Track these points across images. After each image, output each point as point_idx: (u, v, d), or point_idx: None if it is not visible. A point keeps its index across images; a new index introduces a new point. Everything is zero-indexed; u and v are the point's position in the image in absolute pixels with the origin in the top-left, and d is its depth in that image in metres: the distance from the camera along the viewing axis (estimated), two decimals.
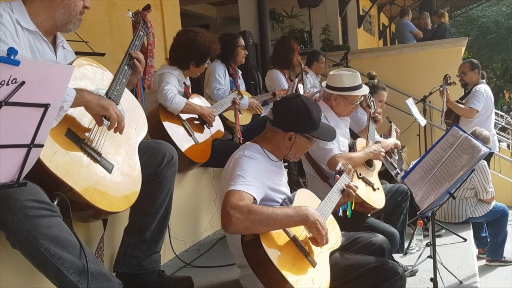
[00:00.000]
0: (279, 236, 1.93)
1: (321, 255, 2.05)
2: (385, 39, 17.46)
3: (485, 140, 4.36)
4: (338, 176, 2.38)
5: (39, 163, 1.59)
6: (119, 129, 1.93)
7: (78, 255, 1.68)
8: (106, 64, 2.20)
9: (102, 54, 3.40)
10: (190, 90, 3.53)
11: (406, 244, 3.65)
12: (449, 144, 2.58)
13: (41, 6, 1.95)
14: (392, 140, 4.13)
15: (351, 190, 2.36)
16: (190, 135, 3.29)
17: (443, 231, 4.32)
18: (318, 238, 1.95)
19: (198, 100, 3.53)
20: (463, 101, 5.72)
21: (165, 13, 5.50)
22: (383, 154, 3.24)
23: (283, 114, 2.26)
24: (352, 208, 2.50)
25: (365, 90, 3.24)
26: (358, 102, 3.26)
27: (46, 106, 1.31)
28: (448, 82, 5.58)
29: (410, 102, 5.68)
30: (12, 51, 1.16)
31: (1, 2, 1.89)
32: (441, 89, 5.56)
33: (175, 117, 3.26)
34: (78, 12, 2.01)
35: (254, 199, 1.95)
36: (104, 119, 1.90)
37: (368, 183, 3.06)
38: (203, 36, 3.37)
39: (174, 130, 3.19)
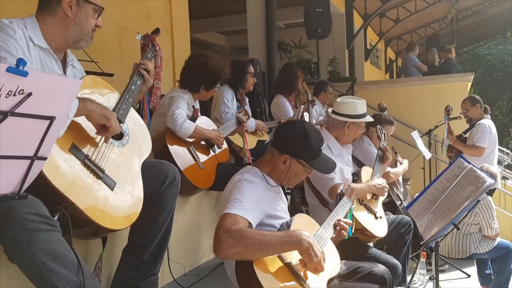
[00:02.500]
0: (274, 263, 1.89)
1: (318, 282, 2.00)
2: (392, 73, 17.61)
3: (492, 176, 4.33)
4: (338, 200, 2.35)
5: (41, 177, 1.59)
6: (108, 138, 1.94)
7: (76, 271, 1.65)
8: (114, 85, 2.22)
9: (111, 75, 3.44)
10: (199, 114, 3.55)
11: (408, 278, 3.58)
12: (454, 175, 2.57)
13: (53, 23, 1.98)
14: (401, 168, 4.13)
15: (343, 225, 2.23)
16: (195, 160, 3.28)
17: (447, 266, 4.25)
18: (309, 264, 1.89)
19: (204, 122, 3.53)
20: (466, 135, 5.72)
21: (175, 38, 5.59)
22: (386, 190, 3.21)
23: (282, 136, 2.26)
24: (353, 232, 2.46)
25: (369, 116, 3.30)
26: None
27: (51, 119, 1.31)
28: (450, 113, 5.60)
29: (415, 134, 5.68)
30: (21, 62, 1.17)
31: (16, 19, 1.93)
32: (442, 122, 5.59)
33: (182, 141, 3.25)
34: (90, 30, 2.05)
35: (250, 223, 1.92)
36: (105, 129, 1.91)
37: (370, 210, 3.03)
38: (215, 60, 3.42)
39: (180, 155, 3.18)
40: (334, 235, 2.23)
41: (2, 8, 3.20)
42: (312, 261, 1.89)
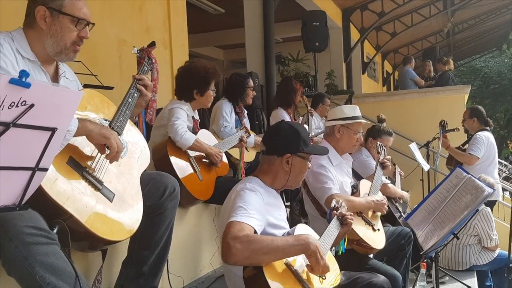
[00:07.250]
0: (282, 272, 1.92)
1: None
2: (389, 86, 17.72)
3: (490, 186, 4.34)
4: (335, 212, 2.38)
5: (39, 190, 1.58)
6: (114, 159, 1.93)
7: (73, 285, 1.64)
8: (114, 98, 2.23)
9: (111, 88, 3.46)
10: (198, 125, 3.56)
11: None
12: (452, 185, 2.58)
13: (35, 36, 1.95)
14: (402, 192, 4.12)
15: (347, 217, 2.38)
16: (195, 171, 3.28)
17: (447, 278, 4.23)
18: (316, 267, 1.95)
19: (205, 135, 3.54)
20: (464, 147, 5.74)
21: (174, 52, 5.62)
22: (386, 208, 3.20)
23: (274, 140, 2.32)
24: (345, 246, 2.49)
25: (361, 118, 3.31)
26: (361, 134, 3.28)
27: (53, 130, 1.32)
28: (445, 128, 5.63)
29: (413, 146, 5.70)
30: (23, 73, 1.18)
31: (2, 32, 1.91)
32: (438, 136, 5.62)
33: (183, 152, 3.25)
34: (67, 42, 1.98)
35: (255, 231, 1.94)
36: (106, 148, 1.91)
37: (368, 222, 3.03)
38: (199, 62, 3.48)
39: (180, 165, 3.17)
40: (342, 228, 2.36)
41: (2, 8, 3.22)
42: (319, 264, 1.94)
